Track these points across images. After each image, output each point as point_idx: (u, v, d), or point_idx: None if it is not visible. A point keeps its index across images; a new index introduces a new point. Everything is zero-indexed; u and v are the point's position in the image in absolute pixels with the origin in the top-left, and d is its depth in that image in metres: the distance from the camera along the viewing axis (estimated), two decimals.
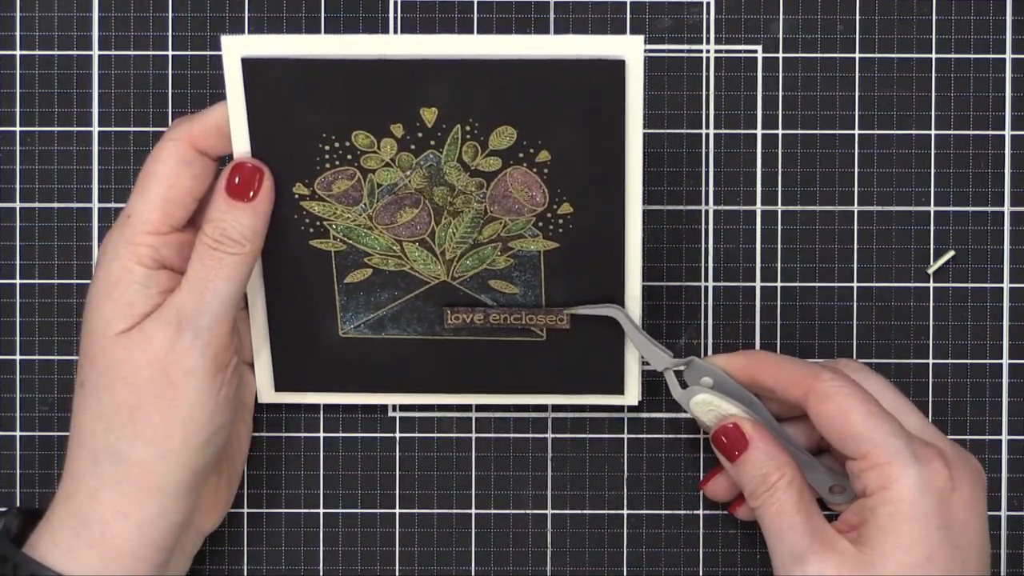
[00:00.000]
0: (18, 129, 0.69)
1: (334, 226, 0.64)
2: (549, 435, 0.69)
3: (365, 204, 0.63)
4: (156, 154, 0.61)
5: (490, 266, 0.65)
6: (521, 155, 0.62)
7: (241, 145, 0.62)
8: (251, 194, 0.62)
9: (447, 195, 0.63)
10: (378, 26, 0.68)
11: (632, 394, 0.67)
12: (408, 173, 0.63)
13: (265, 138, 0.62)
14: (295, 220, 0.64)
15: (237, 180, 0.61)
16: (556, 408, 0.69)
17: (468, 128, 0.62)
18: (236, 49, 0.61)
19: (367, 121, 0.62)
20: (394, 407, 0.69)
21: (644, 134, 0.63)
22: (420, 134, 0.62)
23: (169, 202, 0.61)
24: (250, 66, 0.61)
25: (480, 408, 0.69)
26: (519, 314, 0.65)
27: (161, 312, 0.61)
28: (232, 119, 0.62)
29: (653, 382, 0.68)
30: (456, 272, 0.65)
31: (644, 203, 0.64)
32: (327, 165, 0.63)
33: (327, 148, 0.62)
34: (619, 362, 0.67)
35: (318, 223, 0.64)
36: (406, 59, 0.61)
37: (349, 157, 0.62)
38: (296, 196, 0.63)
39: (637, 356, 0.66)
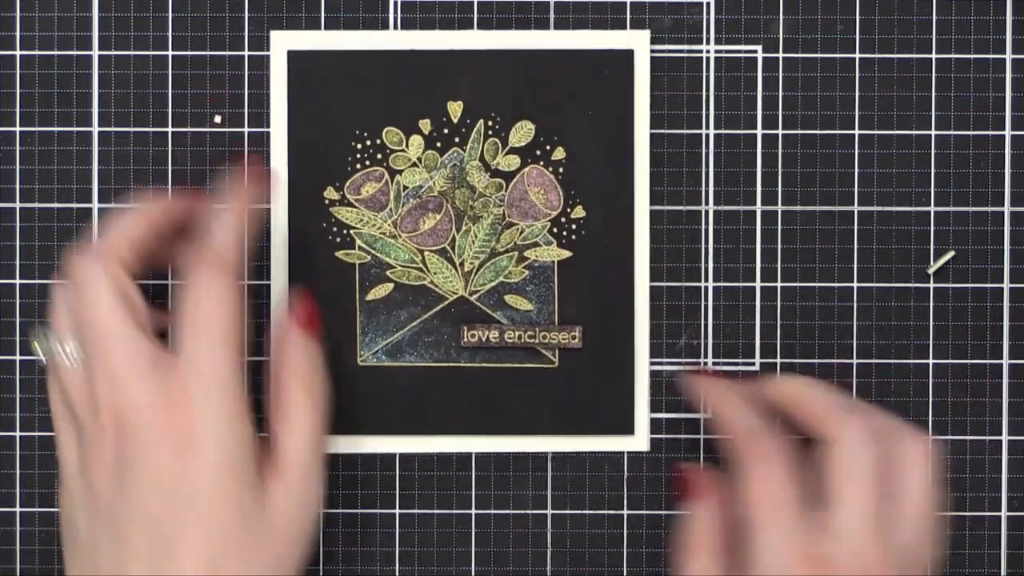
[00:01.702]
0: (18, 129, 0.69)
1: (360, 235, 0.66)
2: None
3: (391, 209, 0.66)
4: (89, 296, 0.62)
5: (506, 278, 0.67)
6: (538, 152, 0.66)
7: (280, 144, 0.66)
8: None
9: (468, 198, 0.66)
10: (378, 26, 0.68)
11: (641, 437, 0.68)
12: (432, 174, 0.66)
13: (302, 137, 0.66)
14: (324, 229, 0.67)
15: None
16: None
17: (491, 124, 0.66)
18: (283, 43, 0.66)
19: (398, 115, 0.66)
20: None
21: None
22: (446, 130, 0.66)
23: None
24: (295, 59, 0.66)
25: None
26: (533, 331, 0.67)
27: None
28: (274, 116, 0.66)
29: (660, 381, 0.69)
30: (474, 286, 0.67)
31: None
32: (358, 166, 0.66)
33: (359, 146, 0.66)
34: (629, 396, 0.67)
35: (345, 232, 0.67)
36: (435, 51, 0.66)
37: (379, 156, 0.66)
38: (327, 202, 0.66)
39: (647, 396, 0.68)
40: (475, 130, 0.67)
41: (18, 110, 0.69)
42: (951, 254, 0.68)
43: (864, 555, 0.60)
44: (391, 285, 0.67)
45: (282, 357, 0.64)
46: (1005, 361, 0.69)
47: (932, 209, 0.68)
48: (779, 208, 0.69)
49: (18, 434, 0.69)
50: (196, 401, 0.60)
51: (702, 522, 0.65)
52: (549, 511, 0.69)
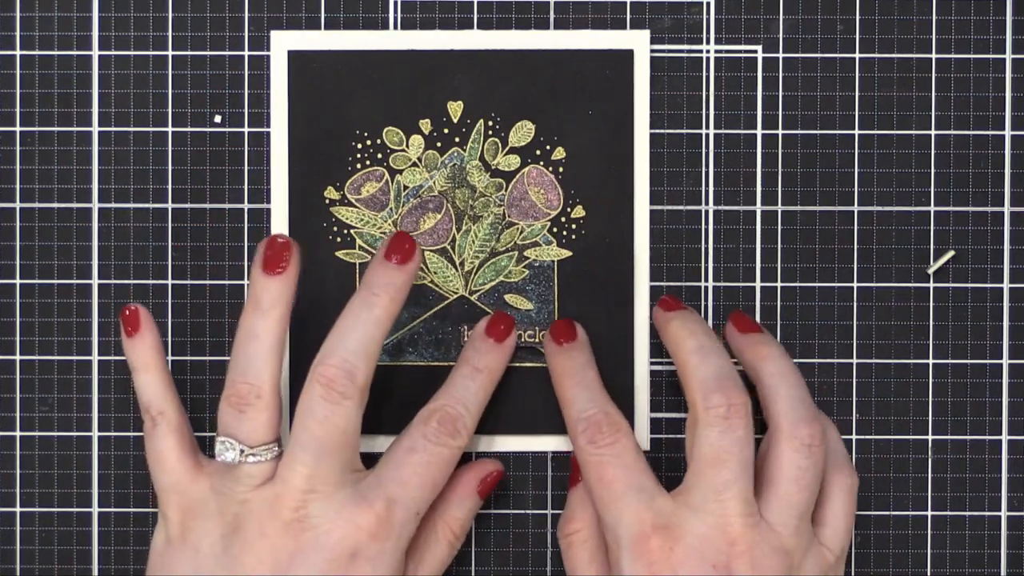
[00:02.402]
0: (18, 129, 0.69)
1: (360, 235, 0.67)
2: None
3: (391, 209, 0.66)
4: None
5: (506, 278, 0.67)
6: (538, 152, 0.67)
7: (280, 144, 0.66)
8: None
9: (469, 198, 0.67)
10: (378, 26, 0.68)
11: (641, 436, 0.68)
12: (433, 174, 0.66)
13: (302, 137, 0.67)
14: (324, 229, 0.67)
15: None
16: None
17: (491, 124, 0.67)
18: (283, 43, 0.66)
19: (398, 116, 0.66)
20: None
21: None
22: (446, 130, 0.67)
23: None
24: (295, 59, 0.66)
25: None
26: (533, 331, 0.67)
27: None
28: (274, 116, 0.66)
29: (661, 381, 0.69)
30: (473, 285, 0.67)
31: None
32: (358, 166, 0.67)
33: (359, 146, 0.66)
34: (629, 396, 0.68)
35: (345, 231, 0.67)
36: (435, 51, 0.66)
37: (379, 156, 0.66)
38: (327, 202, 0.66)
39: (647, 396, 0.68)
40: (475, 130, 0.67)
41: (18, 110, 0.69)
42: (951, 254, 0.68)
43: (727, 532, 0.61)
44: None
45: (448, 503, 0.65)
46: (1005, 361, 0.69)
47: (932, 209, 0.68)
48: (779, 208, 0.69)
49: (18, 434, 0.69)
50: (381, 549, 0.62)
51: (586, 504, 0.65)
52: (549, 511, 0.69)
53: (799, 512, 0.62)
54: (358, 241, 0.67)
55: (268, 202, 0.68)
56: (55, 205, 0.69)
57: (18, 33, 0.68)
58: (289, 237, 0.63)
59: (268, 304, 0.62)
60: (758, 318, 0.68)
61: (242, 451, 0.62)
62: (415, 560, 0.64)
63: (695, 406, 0.62)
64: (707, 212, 0.69)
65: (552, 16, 0.68)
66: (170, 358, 0.68)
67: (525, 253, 0.67)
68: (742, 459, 0.61)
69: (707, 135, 0.68)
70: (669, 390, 0.68)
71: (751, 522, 0.61)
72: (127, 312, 0.64)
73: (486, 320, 0.66)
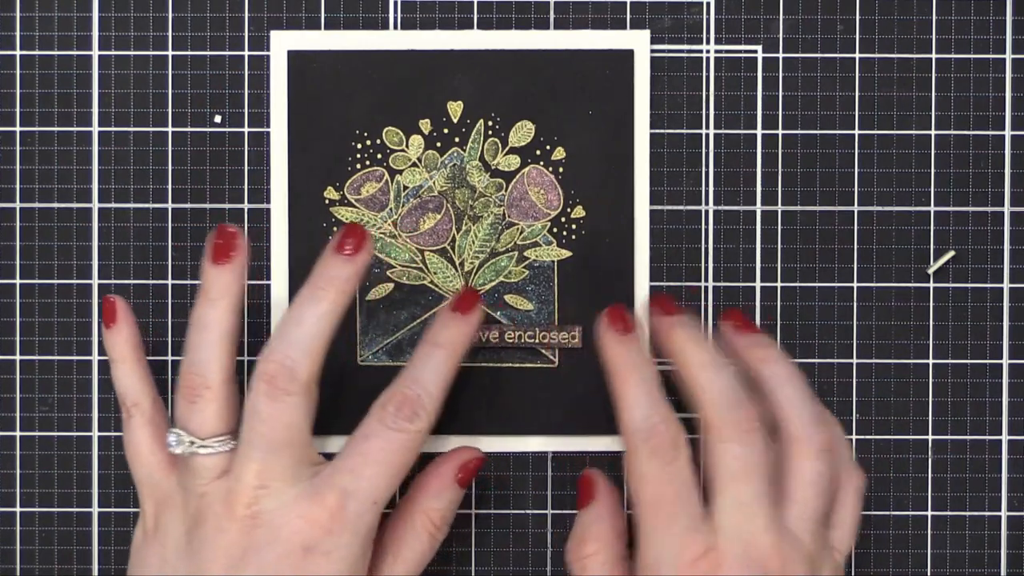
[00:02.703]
0: (18, 129, 0.69)
1: None
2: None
3: (391, 209, 0.66)
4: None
5: (506, 278, 0.67)
6: (538, 152, 0.67)
7: (280, 144, 0.67)
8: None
9: (469, 198, 0.67)
10: (378, 26, 0.68)
11: None
12: (433, 174, 0.66)
13: (302, 137, 0.67)
14: (324, 229, 0.67)
15: None
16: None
17: (491, 124, 0.67)
18: (283, 43, 0.66)
19: (398, 116, 0.66)
20: None
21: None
22: (446, 130, 0.67)
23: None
24: (295, 59, 0.66)
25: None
26: (533, 331, 0.67)
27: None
28: (274, 116, 0.66)
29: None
30: (474, 285, 0.67)
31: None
32: (358, 166, 0.67)
33: (359, 146, 0.67)
34: None
35: None
36: (435, 51, 0.66)
37: (379, 156, 0.67)
38: (327, 202, 0.67)
39: None
40: (475, 130, 0.67)
41: (18, 110, 0.69)
42: (951, 254, 0.68)
43: (759, 547, 0.61)
44: (391, 285, 0.67)
45: (427, 494, 0.65)
46: (1005, 361, 0.69)
47: (932, 209, 0.69)
48: (779, 208, 0.69)
49: (18, 434, 0.69)
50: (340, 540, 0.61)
51: (601, 524, 0.65)
52: (549, 511, 0.69)
53: (818, 517, 0.62)
54: None
55: (268, 202, 0.68)
56: (55, 205, 0.69)
57: (18, 33, 0.68)
58: (237, 227, 0.63)
59: (216, 294, 0.62)
60: (758, 318, 0.69)
61: (191, 442, 0.61)
62: (392, 553, 0.64)
63: (711, 422, 0.61)
64: (707, 212, 0.69)
65: (552, 16, 0.68)
66: (169, 358, 0.68)
67: (525, 253, 0.67)
68: (765, 471, 0.61)
69: (707, 135, 0.68)
70: (668, 390, 0.68)
71: (779, 535, 0.61)
72: (106, 304, 0.65)
73: (454, 297, 0.65)
